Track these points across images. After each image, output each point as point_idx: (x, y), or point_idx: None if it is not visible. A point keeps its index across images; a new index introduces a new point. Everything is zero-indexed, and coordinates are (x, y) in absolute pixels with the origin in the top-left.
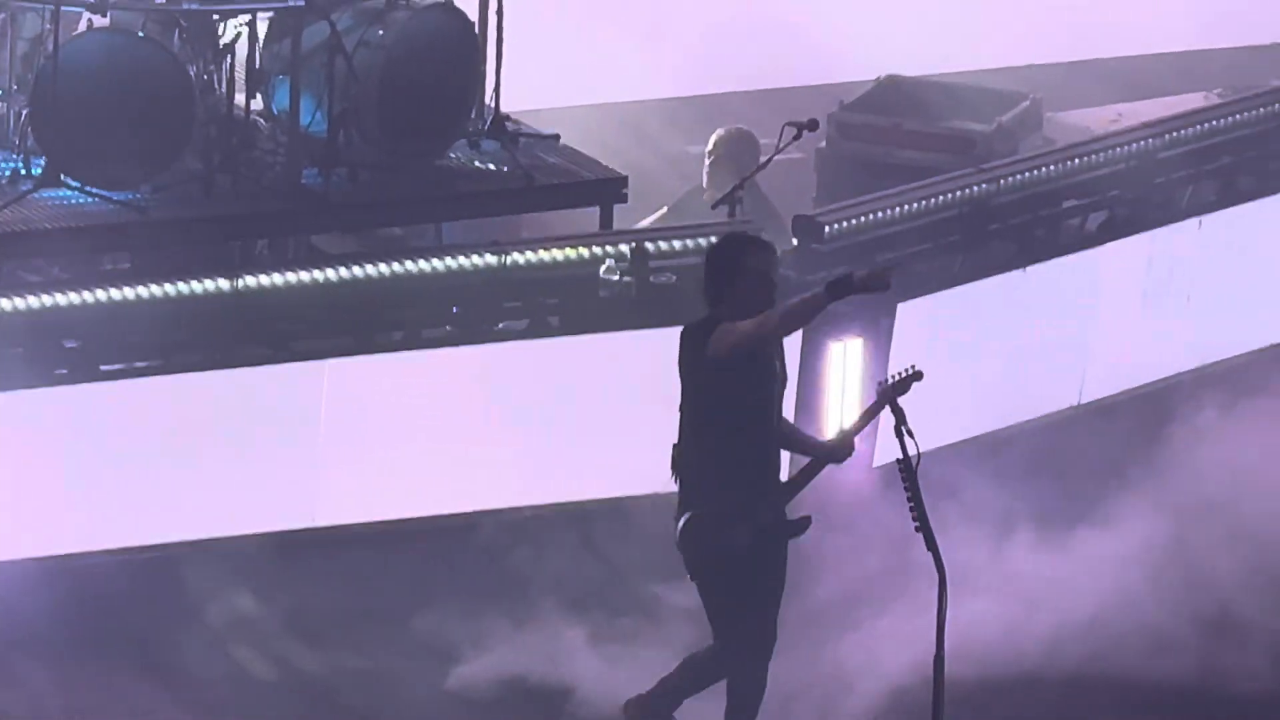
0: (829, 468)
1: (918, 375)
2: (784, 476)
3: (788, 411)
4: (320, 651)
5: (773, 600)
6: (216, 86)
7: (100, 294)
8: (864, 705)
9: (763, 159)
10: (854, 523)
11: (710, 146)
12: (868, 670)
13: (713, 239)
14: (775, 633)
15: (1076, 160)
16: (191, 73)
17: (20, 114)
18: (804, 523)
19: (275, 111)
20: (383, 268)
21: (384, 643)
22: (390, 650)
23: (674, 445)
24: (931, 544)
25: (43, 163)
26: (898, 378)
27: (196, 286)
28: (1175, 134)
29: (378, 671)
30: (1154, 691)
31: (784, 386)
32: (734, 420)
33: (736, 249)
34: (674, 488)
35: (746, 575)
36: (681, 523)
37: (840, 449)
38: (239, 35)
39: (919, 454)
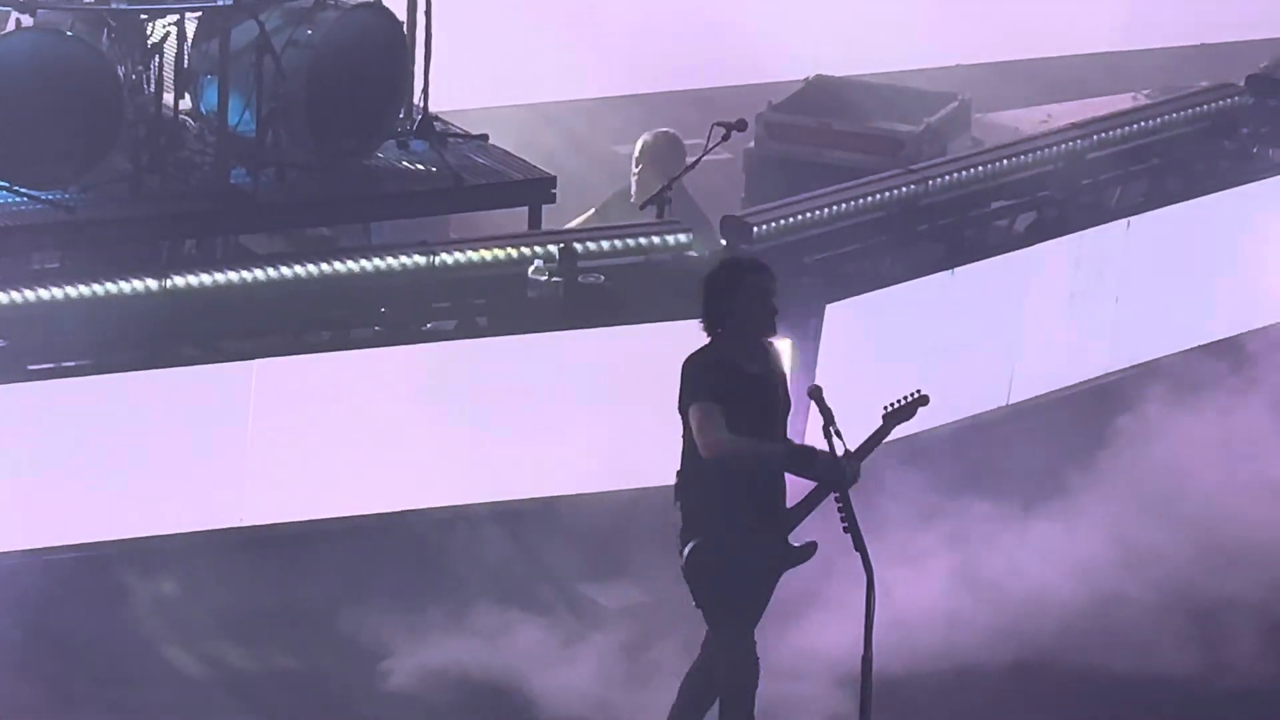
0: None
1: (923, 400)
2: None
3: None
4: (250, 651)
5: (756, 616)
6: (145, 86)
7: (29, 293)
8: (797, 703)
9: (690, 159)
10: None
11: (636, 153)
12: (803, 668)
13: (642, 231)
14: None
15: (1005, 161)
16: (120, 72)
17: None
18: (809, 549)
19: (204, 111)
20: (311, 268)
21: (315, 642)
22: (321, 649)
23: (677, 472)
24: (860, 545)
25: None
26: (902, 402)
27: (125, 286)
28: (1104, 135)
29: (309, 671)
30: (1090, 683)
31: (787, 412)
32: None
33: (734, 272)
34: (602, 488)
35: (749, 599)
36: (686, 551)
37: (848, 472)
38: (167, 35)
39: (847, 454)
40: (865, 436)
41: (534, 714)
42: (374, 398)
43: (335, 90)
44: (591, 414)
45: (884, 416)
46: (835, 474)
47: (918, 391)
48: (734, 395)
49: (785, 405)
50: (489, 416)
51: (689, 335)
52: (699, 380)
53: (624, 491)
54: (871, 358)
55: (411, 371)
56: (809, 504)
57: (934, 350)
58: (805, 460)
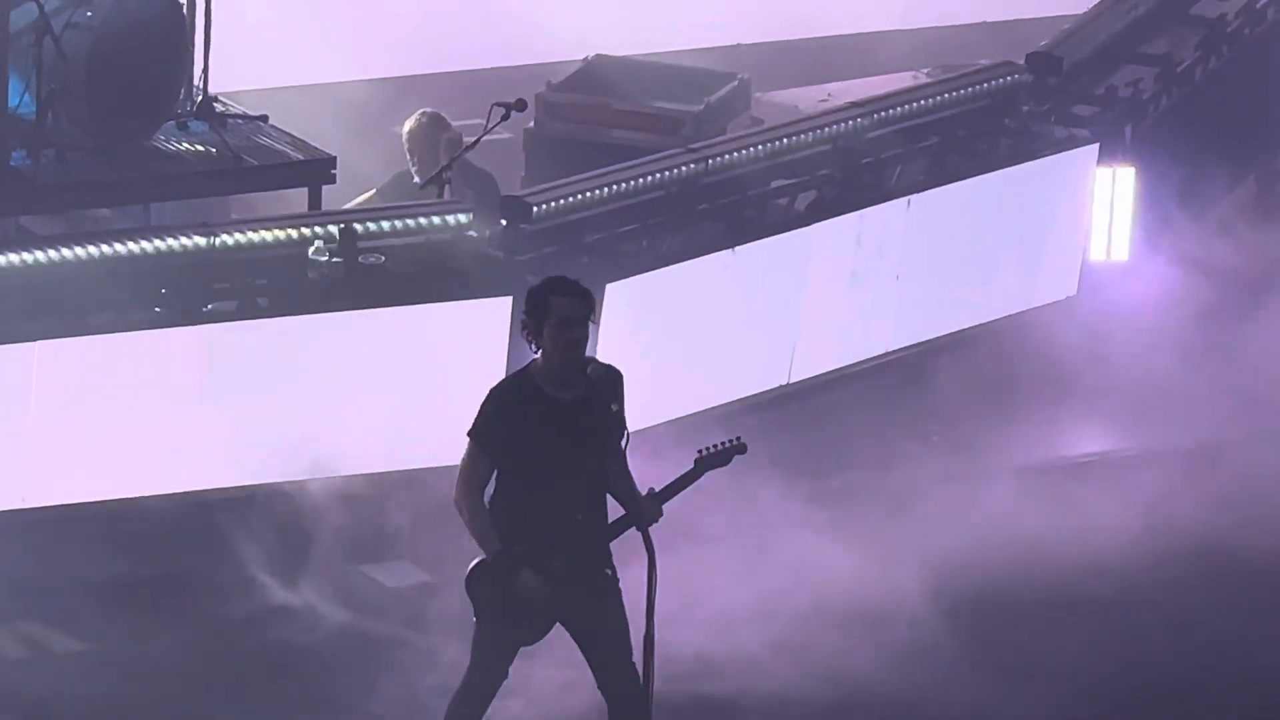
0: None
1: (741, 448)
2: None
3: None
4: (33, 629)
5: (528, 638)
6: None
7: None
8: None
9: (470, 139)
10: None
11: (405, 141)
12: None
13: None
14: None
15: (785, 140)
16: None
17: None
18: (603, 578)
19: None
20: (91, 249)
21: (100, 621)
22: (106, 628)
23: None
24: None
25: None
26: (719, 448)
27: None
28: (884, 113)
29: (91, 651)
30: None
31: (614, 440)
32: (512, 478)
33: (543, 293)
34: (382, 468)
35: (510, 626)
36: (469, 567)
37: (647, 512)
38: None
39: (628, 434)
40: (674, 478)
41: (317, 691)
42: (156, 379)
43: (115, 72)
44: (372, 394)
45: (696, 461)
46: (532, 602)
47: (736, 439)
48: (534, 425)
49: (608, 434)
50: (270, 397)
51: (469, 315)
52: (482, 413)
53: (404, 472)
54: (653, 338)
55: (193, 352)
56: (610, 533)
57: (715, 329)
58: (504, 573)
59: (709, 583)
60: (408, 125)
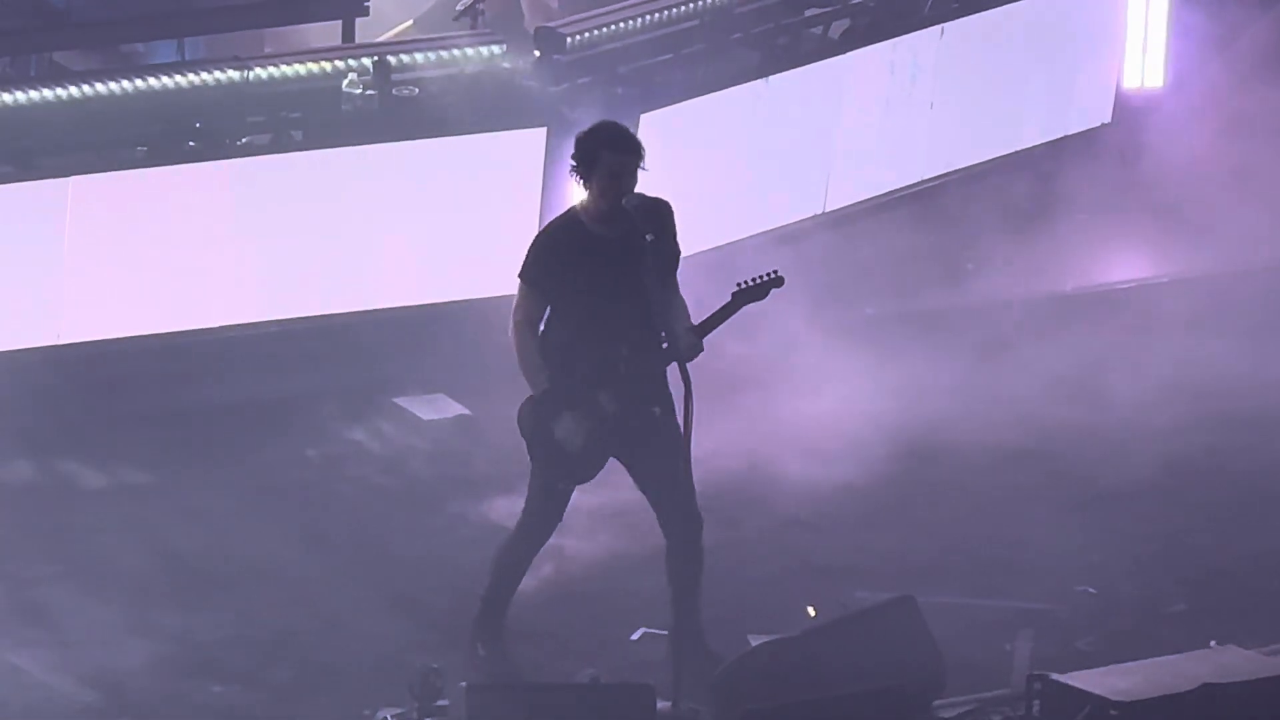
0: None
1: (778, 281)
2: None
3: None
4: (78, 462)
5: (580, 476)
6: None
7: None
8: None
9: None
10: None
11: None
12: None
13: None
14: (560, 514)
15: None
16: None
17: None
18: (647, 412)
19: None
20: (126, 84)
21: (132, 457)
22: (141, 464)
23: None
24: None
25: None
26: (757, 281)
27: None
28: None
29: (126, 484)
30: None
31: (666, 268)
32: (563, 317)
33: (595, 145)
34: (417, 300)
35: (560, 458)
36: (521, 405)
37: (687, 347)
38: None
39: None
40: (712, 311)
41: (360, 525)
42: (189, 213)
43: None
44: (406, 227)
45: (734, 294)
46: (569, 443)
47: (774, 272)
48: (583, 263)
49: (652, 267)
50: (304, 231)
51: (503, 146)
52: (531, 254)
53: (439, 305)
54: (687, 167)
55: (226, 186)
56: (654, 367)
57: (750, 159)
58: (549, 406)
59: (747, 414)
60: None
